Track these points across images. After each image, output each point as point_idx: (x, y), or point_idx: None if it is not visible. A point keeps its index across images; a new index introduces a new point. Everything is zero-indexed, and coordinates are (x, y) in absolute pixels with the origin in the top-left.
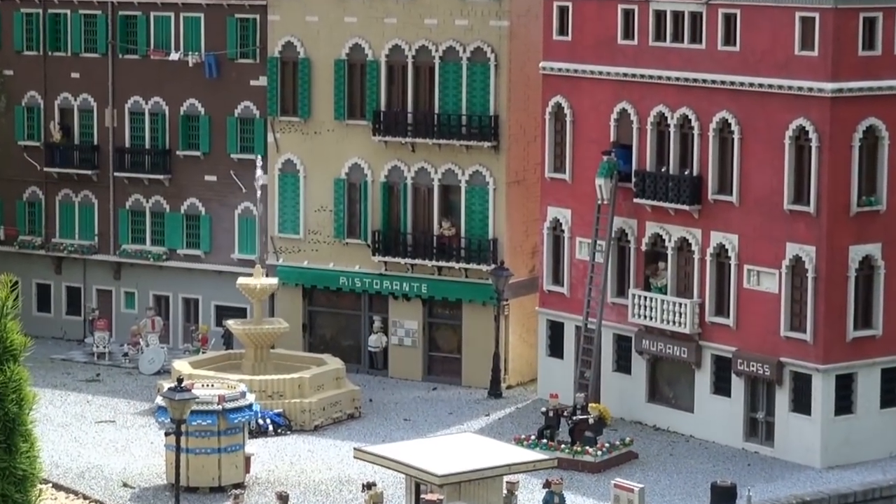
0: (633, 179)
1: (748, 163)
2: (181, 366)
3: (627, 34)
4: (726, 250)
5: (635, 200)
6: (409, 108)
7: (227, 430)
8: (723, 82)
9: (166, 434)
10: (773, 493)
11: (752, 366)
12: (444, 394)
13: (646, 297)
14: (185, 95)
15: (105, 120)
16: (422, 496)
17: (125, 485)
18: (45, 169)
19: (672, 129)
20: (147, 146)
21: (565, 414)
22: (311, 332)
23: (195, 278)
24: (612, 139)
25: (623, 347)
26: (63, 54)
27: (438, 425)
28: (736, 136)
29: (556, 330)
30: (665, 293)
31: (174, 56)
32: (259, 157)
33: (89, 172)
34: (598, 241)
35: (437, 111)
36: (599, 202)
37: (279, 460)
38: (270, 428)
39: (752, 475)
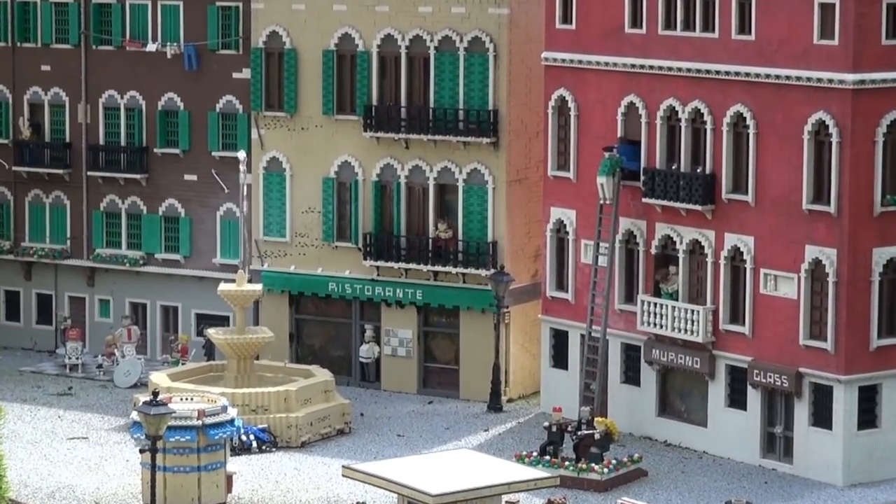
0: (642, 178)
1: (764, 160)
2: (159, 378)
3: (635, 22)
4: (741, 253)
5: (644, 200)
6: (403, 102)
7: (207, 446)
8: (737, 74)
9: (142, 451)
10: None
11: (770, 377)
12: (440, 407)
13: (656, 304)
14: (162, 89)
15: (78, 116)
16: None
17: None
18: (14, 168)
19: (683, 124)
20: (122, 143)
21: (569, 429)
22: (299, 342)
23: (174, 285)
24: (619, 135)
25: (631, 357)
26: (33, 45)
27: (434, 441)
28: (751, 131)
29: (560, 339)
30: (676, 299)
31: (151, 47)
32: (242, 151)
33: (61, 172)
34: (602, 244)
35: (432, 105)
36: (602, 202)
37: (263, 479)
38: (254, 444)
39: (770, 494)
